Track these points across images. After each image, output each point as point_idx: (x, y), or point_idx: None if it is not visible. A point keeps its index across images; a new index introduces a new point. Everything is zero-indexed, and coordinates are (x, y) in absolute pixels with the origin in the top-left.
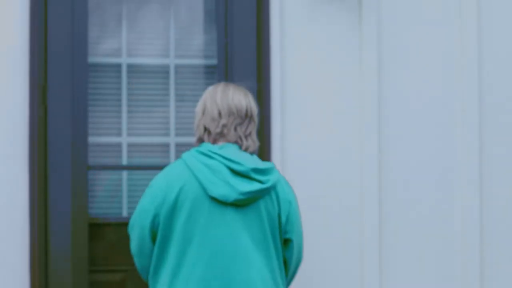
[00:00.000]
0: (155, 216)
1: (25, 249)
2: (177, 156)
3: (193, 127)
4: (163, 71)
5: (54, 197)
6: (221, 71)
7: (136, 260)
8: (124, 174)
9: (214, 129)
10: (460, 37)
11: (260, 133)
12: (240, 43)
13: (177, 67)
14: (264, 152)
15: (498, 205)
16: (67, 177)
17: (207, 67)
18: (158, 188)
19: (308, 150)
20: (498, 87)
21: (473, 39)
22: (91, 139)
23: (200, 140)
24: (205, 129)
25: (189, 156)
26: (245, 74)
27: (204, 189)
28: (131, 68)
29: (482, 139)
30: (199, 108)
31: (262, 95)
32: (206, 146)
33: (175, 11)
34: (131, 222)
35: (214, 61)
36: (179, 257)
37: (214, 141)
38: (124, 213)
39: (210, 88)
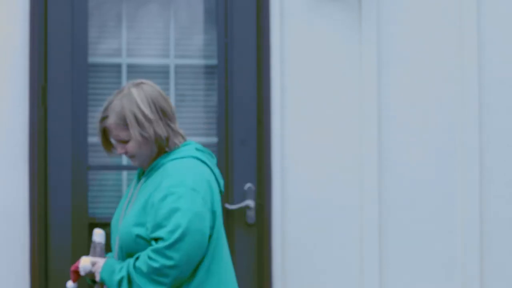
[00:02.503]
0: (210, 220)
1: (25, 249)
2: None
3: (192, 127)
4: (163, 71)
5: (54, 197)
6: (221, 71)
7: (179, 271)
8: (124, 174)
9: (175, 126)
10: (460, 37)
11: (260, 133)
12: (240, 43)
13: (177, 67)
14: (263, 152)
15: (498, 205)
16: (67, 177)
17: (207, 67)
18: (205, 190)
19: (308, 150)
20: (498, 87)
21: (473, 38)
22: (91, 139)
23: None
24: (169, 126)
25: (199, 153)
26: (245, 74)
27: (218, 185)
28: (131, 68)
29: (482, 139)
30: (148, 110)
31: (262, 95)
32: (194, 143)
33: (175, 11)
34: (184, 230)
35: (214, 61)
36: (222, 259)
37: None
38: None
39: (136, 90)
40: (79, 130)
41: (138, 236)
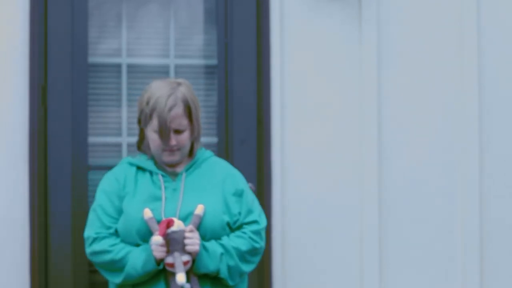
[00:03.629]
0: None
1: (25, 249)
2: None
3: None
4: (163, 71)
5: (54, 197)
6: (221, 71)
7: (253, 266)
8: None
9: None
10: (460, 37)
11: (260, 133)
12: (240, 43)
13: (177, 67)
14: (263, 152)
15: (498, 205)
16: (67, 177)
17: (207, 67)
18: None
19: (308, 150)
20: (498, 86)
21: (473, 38)
22: (91, 139)
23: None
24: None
25: None
26: (245, 74)
27: None
28: (131, 68)
29: (482, 139)
30: (198, 106)
31: (262, 95)
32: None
33: (175, 11)
34: (264, 228)
35: (214, 61)
36: None
37: None
38: None
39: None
40: (79, 130)
41: (227, 223)
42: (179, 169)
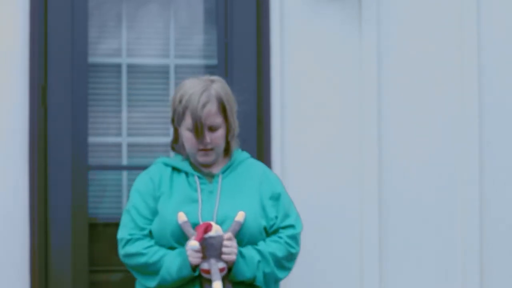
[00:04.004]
0: None
1: (25, 249)
2: None
3: None
4: (163, 71)
5: (54, 197)
6: (221, 71)
7: (288, 272)
8: (124, 174)
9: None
10: (460, 37)
11: (260, 133)
12: (240, 43)
13: (177, 67)
14: (263, 152)
15: (498, 205)
16: (67, 177)
17: (207, 67)
18: None
19: (308, 150)
20: (498, 86)
21: (473, 38)
22: (91, 139)
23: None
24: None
25: None
26: (245, 74)
27: None
28: (131, 68)
29: (482, 139)
30: (233, 104)
31: (262, 95)
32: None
33: (175, 11)
34: (300, 232)
35: (214, 61)
36: None
37: None
38: None
39: (221, 83)
40: (79, 130)
41: (264, 227)
42: (215, 171)
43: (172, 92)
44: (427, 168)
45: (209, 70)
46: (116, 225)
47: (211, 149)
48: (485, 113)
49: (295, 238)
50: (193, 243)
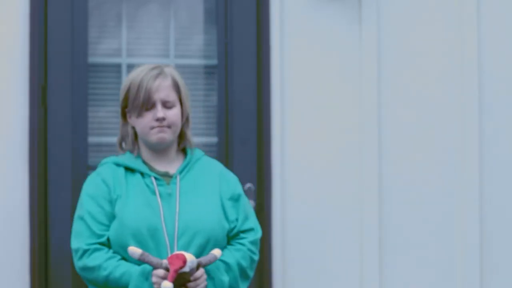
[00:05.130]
0: None
1: (25, 249)
2: None
3: (192, 127)
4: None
5: (54, 197)
6: (221, 71)
7: (248, 283)
8: None
9: None
10: (460, 37)
11: (260, 133)
12: (240, 43)
13: (177, 67)
14: (263, 152)
15: (498, 205)
16: (67, 177)
17: (207, 67)
18: None
19: (308, 150)
20: (498, 86)
21: (473, 38)
22: (91, 139)
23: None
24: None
25: None
26: (245, 74)
27: None
28: (131, 68)
29: (482, 139)
30: (186, 90)
31: (262, 95)
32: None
33: (175, 11)
34: (260, 236)
35: (214, 61)
36: None
37: None
38: None
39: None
40: (79, 130)
41: (227, 230)
42: (172, 171)
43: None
44: (427, 168)
45: (209, 70)
46: None
47: (168, 126)
48: (485, 112)
49: (256, 243)
50: (166, 285)
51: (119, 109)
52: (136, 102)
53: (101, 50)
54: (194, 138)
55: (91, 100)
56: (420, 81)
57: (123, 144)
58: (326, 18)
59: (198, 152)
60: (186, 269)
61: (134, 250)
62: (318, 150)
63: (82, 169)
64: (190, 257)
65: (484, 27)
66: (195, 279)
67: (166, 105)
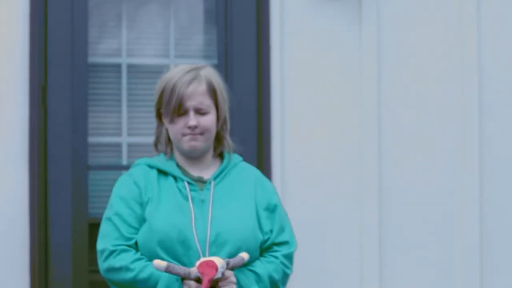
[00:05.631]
0: None
1: (25, 249)
2: None
3: None
4: (163, 71)
5: (54, 197)
6: (221, 71)
7: None
8: None
9: None
10: (460, 37)
11: (260, 133)
12: (240, 43)
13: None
14: (263, 152)
15: (498, 205)
16: (67, 177)
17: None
18: None
19: (307, 150)
20: (498, 87)
21: (473, 38)
22: (91, 139)
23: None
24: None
25: None
26: (245, 74)
27: None
28: (131, 68)
29: (482, 138)
30: (225, 94)
31: (262, 95)
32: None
33: (175, 11)
34: (295, 250)
35: (214, 61)
36: None
37: None
38: None
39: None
40: (79, 130)
41: (261, 241)
42: (206, 176)
43: None
44: (427, 168)
45: None
46: None
47: (200, 134)
48: (485, 112)
49: (290, 257)
50: None
51: (153, 110)
52: (169, 108)
53: (101, 50)
54: None
55: (91, 100)
56: (420, 81)
57: (158, 146)
58: (326, 18)
59: (236, 158)
60: (219, 275)
61: (159, 264)
62: (318, 150)
63: (82, 169)
64: (219, 262)
65: (484, 27)
66: (225, 279)
67: (200, 111)
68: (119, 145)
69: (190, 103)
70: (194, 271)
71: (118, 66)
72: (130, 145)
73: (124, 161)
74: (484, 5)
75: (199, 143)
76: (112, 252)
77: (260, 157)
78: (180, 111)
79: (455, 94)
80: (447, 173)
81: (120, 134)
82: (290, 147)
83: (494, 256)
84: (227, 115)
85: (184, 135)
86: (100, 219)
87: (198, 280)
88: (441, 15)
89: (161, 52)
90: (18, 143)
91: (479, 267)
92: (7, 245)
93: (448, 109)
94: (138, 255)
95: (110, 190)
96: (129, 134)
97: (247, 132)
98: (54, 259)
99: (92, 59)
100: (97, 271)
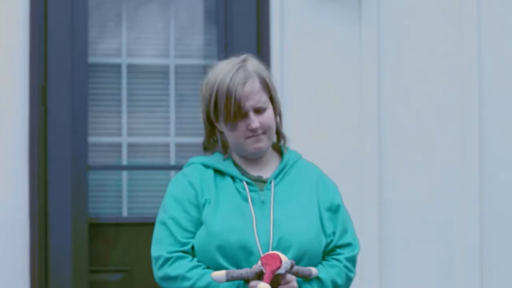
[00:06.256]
0: None
1: (25, 249)
2: (177, 156)
3: (192, 127)
4: (163, 71)
5: (54, 197)
6: None
7: None
8: (124, 174)
9: None
10: (460, 36)
11: None
12: (240, 43)
13: (177, 67)
14: None
15: (498, 205)
16: (67, 177)
17: (207, 67)
18: None
19: (307, 150)
20: (498, 87)
21: (473, 38)
22: (91, 139)
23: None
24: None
25: None
26: None
27: None
28: (131, 68)
29: (482, 138)
30: (273, 81)
31: None
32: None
33: (175, 11)
34: (358, 252)
35: (214, 61)
36: None
37: None
38: (124, 213)
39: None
40: (79, 130)
41: (324, 245)
42: (265, 175)
43: (172, 91)
44: (427, 168)
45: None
46: (116, 225)
47: (263, 133)
48: (485, 112)
49: (353, 260)
50: (264, 286)
51: (201, 114)
52: (227, 114)
53: (101, 50)
54: (195, 138)
55: (91, 100)
56: (420, 81)
57: (216, 149)
58: (326, 18)
59: (295, 155)
60: (282, 270)
61: (218, 276)
62: (318, 150)
63: (82, 169)
64: (284, 258)
65: (484, 27)
66: (286, 283)
67: (259, 110)
68: (119, 145)
69: (249, 104)
70: (256, 267)
71: (118, 66)
72: (130, 145)
73: (124, 161)
74: (484, 5)
75: (264, 143)
76: (167, 260)
77: None
78: (240, 114)
79: (455, 94)
80: (447, 173)
81: (120, 134)
82: (290, 147)
83: (494, 256)
84: (280, 105)
85: (247, 137)
86: (100, 219)
87: (261, 277)
88: (441, 15)
89: (161, 52)
90: (18, 143)
91: (479, 267)
92: (7, 245)
93: (448, 109)
94: (195, 262)
95: (110, 190)
96: (129, 134)
97: None
98: (54, 259)
99: (92, 59)
100: (97, 271)
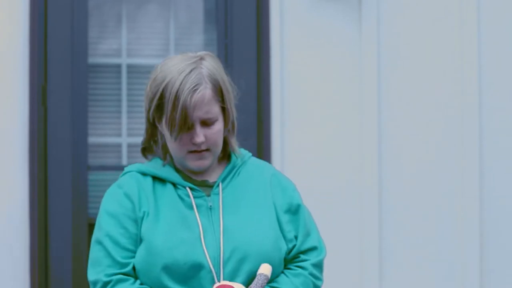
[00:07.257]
0: None
1: (25, 249)
2: None
3: None
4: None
5: (54, 197)
6: None
7: None
8: None
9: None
10: (460, 36)
11: (260, 133)
12: (240, 43)
13: None
14: (263, 152)
15: (498, 205)
16: (67, 177)
17: None
18: None
19: (307, 150)
20: (498, 86)
21: (473, 38)
22: (91, 139)
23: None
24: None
25: None
26: (245, 74)
27: None
28: (131, 68)
29: (482, 138)
30: (229, 86)
31: (262, 95)
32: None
33: (175, 11)
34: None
35: None
36: None
37: None
38: None
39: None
40: (79, 130)
41: (285, 252)
42: (212, 178)
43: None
44: (427, 168)
45: None
46: None
47: (207, 150)
48: (485, 112)
49: (320, 266)
50: None
51: (144, 112)
52: (171, 123)
53: (101, 50)
54: None
55: (91, 100)
56: (420, 81)
57: (154, 150)
58: (326, 18)
59: (244, 154)
60: None
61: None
62: (318, 150)
63: (82, 169)
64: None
65: (484, 27)
66: None
67: (207, 122)
68: (119, 146)
69: (196, 115)
70: None
71: (118, 66)
72: (130, 146)
73: (124, 162)
74: (484, 5)
75: (207, 161)
76: (106, 284)
77: (260, 157)
78: (185, 126)
79: (455, 94)
80: (447, 173)
81: (120, 135)
82: (290, 147)
83: (494, 256)
84: (234, 114)
85: (188, 152)
86: None
87: None
88: (441, 15)
89: (161, 52)
90: (18, 143)
91: (479, 267)
92: (7, 245)
93: (448, 109)
94: (137, 284)
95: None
96: (129, 135)
97: (247, 132)
98: (54, 259)
99: (92, 59)
100: None
